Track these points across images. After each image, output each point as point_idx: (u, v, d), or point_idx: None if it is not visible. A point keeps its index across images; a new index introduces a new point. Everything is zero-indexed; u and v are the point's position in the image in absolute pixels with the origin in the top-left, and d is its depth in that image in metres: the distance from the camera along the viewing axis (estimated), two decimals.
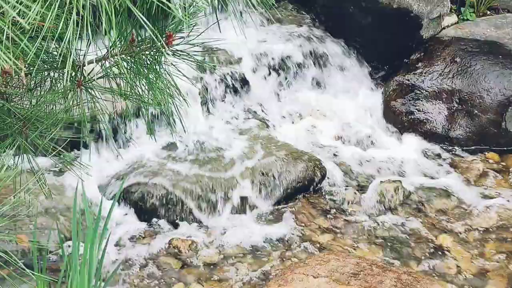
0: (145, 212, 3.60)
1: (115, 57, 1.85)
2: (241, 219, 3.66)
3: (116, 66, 1.86)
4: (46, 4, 1.37)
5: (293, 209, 3.75)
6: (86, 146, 3.69)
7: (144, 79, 1.90)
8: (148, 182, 3.63)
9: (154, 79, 1.89)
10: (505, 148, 4.25)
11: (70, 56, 1.59)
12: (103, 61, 1.87)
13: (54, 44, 1.79)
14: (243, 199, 3.68)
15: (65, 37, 1.50)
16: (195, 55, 1.90)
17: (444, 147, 4.25)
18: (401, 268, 3.20)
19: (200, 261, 3.40)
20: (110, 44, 1.85)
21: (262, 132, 4.12)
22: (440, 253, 3.50)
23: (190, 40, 1.86)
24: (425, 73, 4.40)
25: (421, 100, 4.33)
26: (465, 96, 4.28)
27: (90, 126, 3.66)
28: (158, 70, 1.90)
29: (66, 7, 1.42)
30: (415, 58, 4.53)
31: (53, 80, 1.94)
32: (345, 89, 4.59)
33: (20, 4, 1.29)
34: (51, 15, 1.39)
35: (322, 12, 4.83)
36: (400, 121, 4.35)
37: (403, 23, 4.54)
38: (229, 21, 2.00)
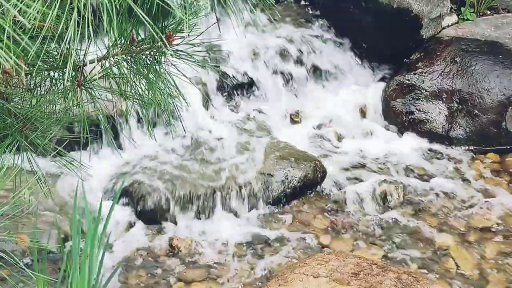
0: (145, 212, 3.59)
1: (116, 57, 1.85)
2: (241, 219, 3.66)
3: (116, 66, 1.86)
4: (47, 4, 1.37)
5: (294, 209, 3.75)
6: (86, 146, 3.69)
7: (144, 79, 1.90)
8: (148, 182, 3.63)
9: (154, 79, 1.88)
10: (505, 148, 4.25)
11: (71, 56, 1.59)
12: (104, 61, 1.87)
13: (55, 44, 1.79)
14: (244, 199, 3.68)
15: (66, 37, 1.50)
16: (195, 54, 1.89)
17: (444, 147, 4.25)
18: (401, 268, 3.20)
19: (200, 261, 3.40)
20: (111, 44, 1.85)
21: (262, 132, 4.12)
22: (440, 253, 3.50)
23: (191, 40, 1.86)
24: (425, 73, 4.40)
25: (421, 100, 4.33)
26: (465, 96, 4.28)
27: (89, 125, 3.66)
28: (158, 70, 1.90)
29: (67, 7, 1.42)
30: (415, 58, 4.53)
31: (53, 80, 1.93)
32: (345, 88, 4.59)
33: (21, 3, 1.29)
34: (51, 15, 1.39)
35: (322, 12, 4.83)
36: (400, 121, 4.35)
37: (403, 23, 4.53)
38: (229, 21, 1.99)
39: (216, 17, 2.04)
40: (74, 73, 1.84)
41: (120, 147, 3.89)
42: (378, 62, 4.73)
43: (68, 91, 1.87)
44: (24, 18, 1.29)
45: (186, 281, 3.29)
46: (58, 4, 1.36)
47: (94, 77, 1.89)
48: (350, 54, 4.72)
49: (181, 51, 1.89)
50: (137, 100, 1.98)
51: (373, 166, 4.08)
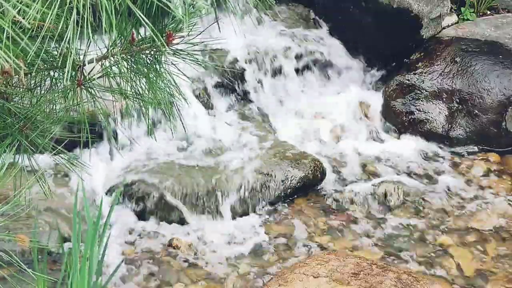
0: (145, 212, 3.59)
1: (115, 56, 1.85)
2: (242, 219, 3.66)
3: (116, 66, 1.86)
4: (47, 4, 1.37)
5: (293, 209, 3.75)
6: (86, 146, 3.69)
7: (144, 78, 1.90)
8: (149, 182, 3.63)
9: (155, 78, 1.88)
10: (506, 148, 4.25)
11: (70, 55, 1.59)
12: (103, 61, 1.87)
13: (54, 44, 1.79)
14: (244, 199, 3.68)
15: (66, 37, 1.50)
16: (195, 54, 1.89)
17: (444, 147, 4.25)
18: (401, 268, 3.20)
19: (200, 261, 3.40)
20: (110, 44, 1.85)
21: (262, 132, 4.13)
22: (440, 253, 3.50)
23: (190, 39, 1.86)
24: (425, 73, 4.39)
25: (421, 100, 4.33)
26: (465, 96, 4.28)
27: (90, 125, 3.65)
28: (158, 69, 1.90)
29: (66, 7, 1.42)
30: (415, 58, 4.52)
31: (53, 80, 1.93)
32: (345, 88, 4.59)
33: (21, 3, 1.29)
34: (51, 15, 1.39)
35: (322, 12, 4.83)
36: (400, 121, 4.35)
37: (403, 23, 4.53)
38: (229, 21, 1.99)
39: (216, 17, 2.03)
40: (74, 72, 1.84)
41: (120, 146, 3.89)
42: (378, 62, 4.73)
43: (68, 91, 1.87)
44: (23, 19, 1.29)
45: (186, 281, 3.29)
46: (58, 3, 1.36)
47: (94, 77, 1.89)
48: (350, 54, 4.72)
49: (181, 50, 1.89)
50: (137, 100, 1.98)
51: (373, 166, 4.08)
